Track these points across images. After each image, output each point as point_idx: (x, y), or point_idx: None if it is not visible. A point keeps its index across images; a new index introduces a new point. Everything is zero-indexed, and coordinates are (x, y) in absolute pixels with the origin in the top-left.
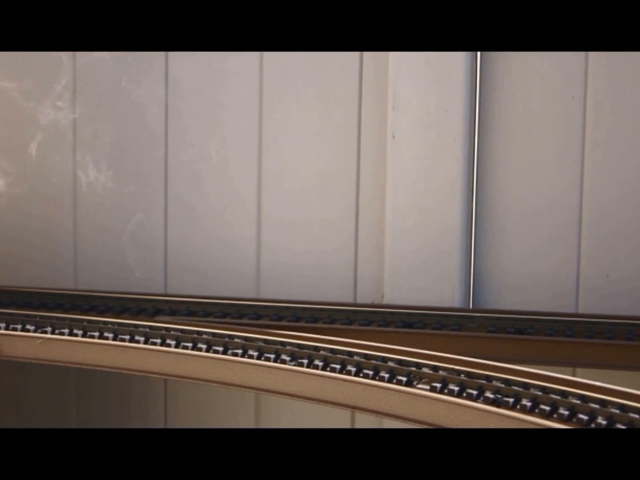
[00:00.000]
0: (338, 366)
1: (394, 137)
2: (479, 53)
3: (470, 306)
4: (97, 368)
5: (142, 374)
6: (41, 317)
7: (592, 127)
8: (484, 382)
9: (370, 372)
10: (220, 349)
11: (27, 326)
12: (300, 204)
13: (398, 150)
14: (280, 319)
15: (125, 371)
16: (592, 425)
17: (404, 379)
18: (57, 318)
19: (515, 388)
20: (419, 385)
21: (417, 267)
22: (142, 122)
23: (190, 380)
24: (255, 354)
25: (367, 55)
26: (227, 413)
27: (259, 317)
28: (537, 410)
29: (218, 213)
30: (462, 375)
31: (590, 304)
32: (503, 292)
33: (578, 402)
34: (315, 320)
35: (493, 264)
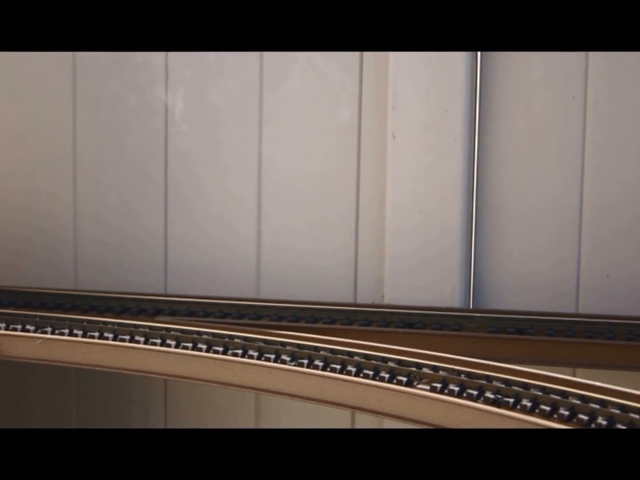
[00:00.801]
0: (338, 366)
1: (394, 137)
2: (479, 53)
3: (471, 306)
4: (97, 368)
5: (142, 374)
6: (41, 317)
7: (592, 127)
8: (484, 382)
9: (371, 373)
10: (220, 349)
11: (27, 326)
12: (300, 203)
13: (398, 150)
14: (280, 319)
15: (125, 371)
16: (593, 426)
17: (404, 379)
18: (57, 318)
19: (516, 388)
20: (419, 386)
21: (418, 267)
22: (143, 123)
23: (190, 381)
24: (255, 354)
25: (367, 55)
26: (227, 413)
27: (259, 317)
28: (537, 411)
29: (218, 213)
30: (462, 375)
31: (590, 304)
32: (503, 292)
33: (578, 402)
34: (315, 321)
35: (493, 264)
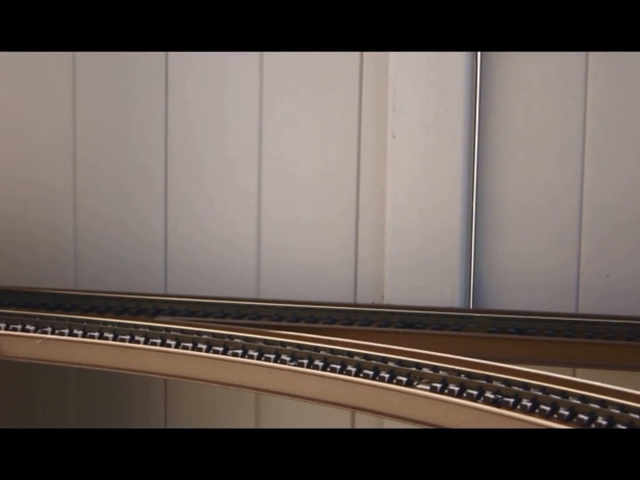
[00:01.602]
0: (338, 366)
1: (394, 137)
2: (479, 53)
3: (471, 306)
4: (97, 368)
5: (142, 374)
6: (41, 317)
7: (592, 127)
8: (484, 382)
9: (371, 373)
10: (220, 349)
11: (27, 326)
12: (300, 203)
13: (398, 150)
14: (280, 319)
15: (125, 371)
16: (593, 426)
17: (404, 379)
18: (57, 318)
19: (516, 388)
20: (419, 386)
21: (418, 267)
22: (143, 123)
23: (190, 381)
24: (255, 354)
25: (367, 55)
26: (227, 413)
27: (259, 317)
28: (537, 411)
29: (218, 212)
30: (462, 375)
31: (590, 304)
32: (503, 292)
33: (578, 402)
34: (315, 321)
35: (493, 264)
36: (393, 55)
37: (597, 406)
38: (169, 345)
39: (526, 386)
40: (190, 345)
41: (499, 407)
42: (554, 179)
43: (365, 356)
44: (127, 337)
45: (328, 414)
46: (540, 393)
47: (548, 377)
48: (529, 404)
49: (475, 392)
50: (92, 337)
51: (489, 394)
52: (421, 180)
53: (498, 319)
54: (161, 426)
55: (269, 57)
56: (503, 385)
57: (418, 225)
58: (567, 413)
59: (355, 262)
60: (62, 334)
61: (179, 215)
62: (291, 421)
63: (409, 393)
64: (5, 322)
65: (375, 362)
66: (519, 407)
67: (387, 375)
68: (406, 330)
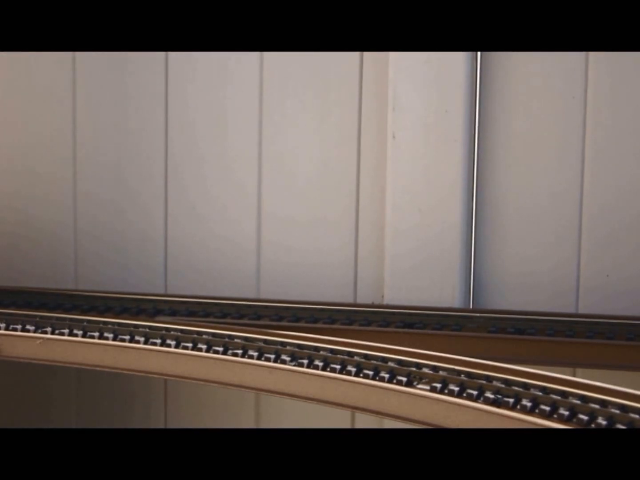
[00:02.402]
0: (338, 366)
1: (394, 137)
2: (479, 53)
3: (471, 306)
4: (97, 368)
5: (142, 374)
6: (41, 317)
7: (592, 127)
8: (484, 382)
9: (371, 373)
10: (220, 349)
11: (27, 326)
12: (301, 203)
13: (398, 150)
14: (280, 319)
15: (125, 371)
16: (592, 426)
17: (404, 379)
18: (57, 318)
19: (516, 388)
20: (419, 386)
21: (418, 267)
22: (143, 123)
23: (190, 381)
24: (255, 354)
25: (367, 55)
26: (227, 413)
27: (259, 317)
28: (537, 411)
29: (219, 212)
30: (462, 375)
31: (590, 304)
32: (503, 292)
33: (578, 402)
34: (315, 321)
35: (493, 264)
36: (393, 55)
37: (597, 406)
38: (169, 345)
39: (526, 386)
40: (190, 345)
41: (499, 407)
42: (554, 178)
43: (365, 356)
44: (127, 337)
45: (328, 414)
46: (540, 393)
47: (548, 377)
48: (529, 404)
49: (475, 392)
50: (92, 337)
51: (489, 394)
52: (421, 180)
53: (498, 319)
54: (161, 426)
55: (269, 57)
56: (503, 385)
57: (418, 225)
58: (567, 413)
59: (355, 262)
60: (62, 334)
61: (180, 215)
62: (291, 421)
63: (409, 393)
64: (5, 322)
65: (375, 362)
66: (519, 407)
67: (387, 375)
68: (406, 330)
